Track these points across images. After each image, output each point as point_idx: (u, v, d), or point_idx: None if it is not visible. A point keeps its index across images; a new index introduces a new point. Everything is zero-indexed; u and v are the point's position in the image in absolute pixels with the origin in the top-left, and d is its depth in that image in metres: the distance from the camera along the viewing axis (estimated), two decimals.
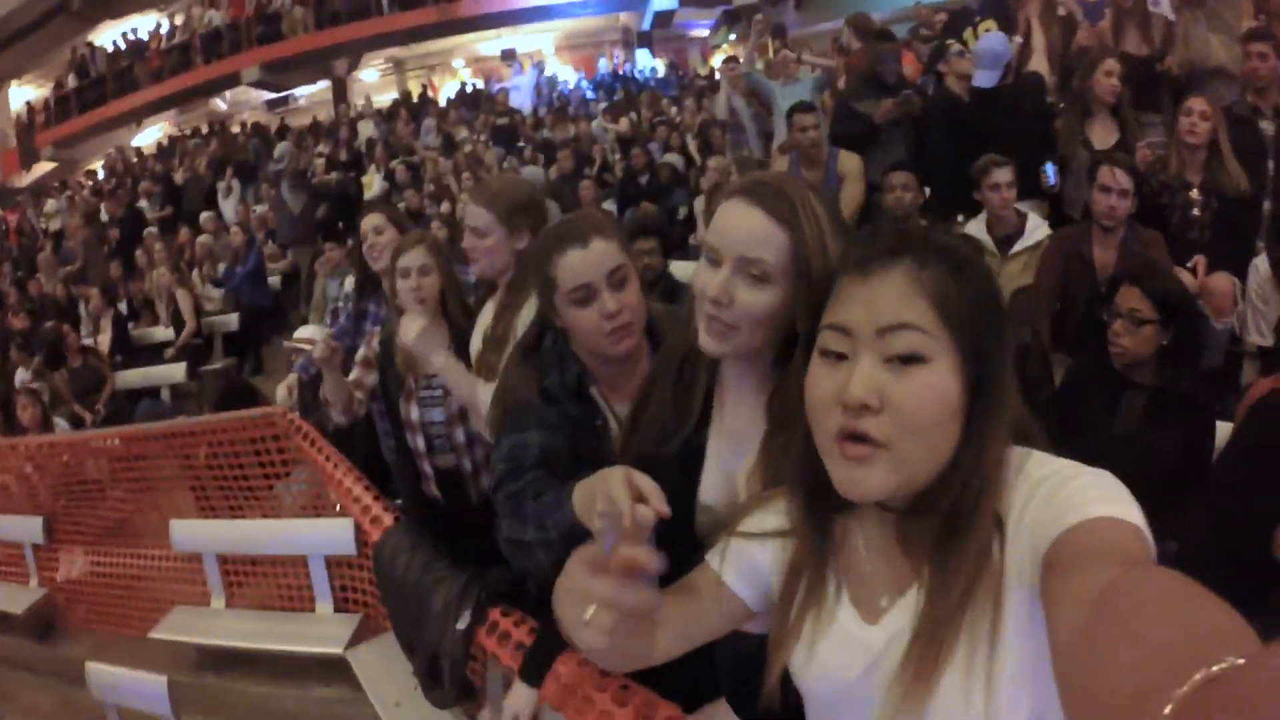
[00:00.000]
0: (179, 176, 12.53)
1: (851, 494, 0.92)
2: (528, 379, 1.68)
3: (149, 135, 19.84)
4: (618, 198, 8.18)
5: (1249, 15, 4.39)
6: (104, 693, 3.04)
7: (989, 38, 4.64)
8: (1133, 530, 0.79)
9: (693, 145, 9.12)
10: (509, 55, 18.34)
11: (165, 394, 7.73)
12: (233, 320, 8.57)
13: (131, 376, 7.80)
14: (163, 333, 8.44)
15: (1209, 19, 4.16)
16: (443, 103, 14.93)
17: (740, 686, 1.42)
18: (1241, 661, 0.47)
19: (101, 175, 15.47)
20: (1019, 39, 4.76)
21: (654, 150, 9.18)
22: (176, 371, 7.82)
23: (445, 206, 8.68)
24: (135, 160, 15.34)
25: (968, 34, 5.13)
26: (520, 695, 1.79)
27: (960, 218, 4.20)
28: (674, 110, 11.15)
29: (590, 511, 1.25)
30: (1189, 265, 3.40)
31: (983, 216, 3.99)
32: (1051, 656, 0.73)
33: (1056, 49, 4.75)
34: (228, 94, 19.84)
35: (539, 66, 15.87)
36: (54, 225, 12.91)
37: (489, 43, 19.42)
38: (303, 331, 4.40)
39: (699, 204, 6.79)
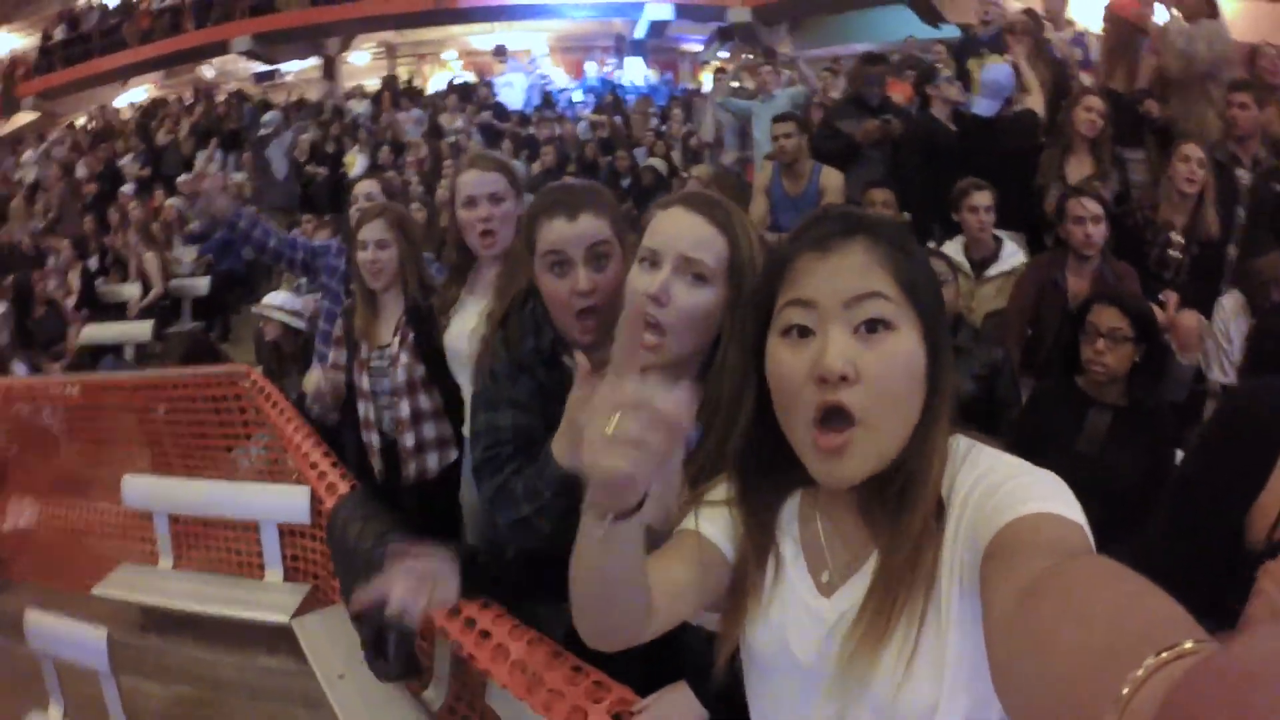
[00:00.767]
0: (160, 138, 12.35)
1: (830, 484, 0.94)
2: (506, 343, 1.69)
3: (133, 96, 19.55)
4: None
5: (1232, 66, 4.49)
6: (42, 643, 2.97)
7: (995, 68, 4.73)
8: (1075, 527, 0.80)
9: (678, 154, 9.17)
10: (501, 52, 18.30)
11: (129, 352, 7.63)
12: (203, 284, 8.49)
13: (97, 332, 7.71)
14: (130, 290, 8.33)
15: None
16: (429, 92, 14.84)
17: (703, 668, 1.42)
18: (1190, 644, 0.48)
19: (82, 128, 15.20)
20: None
21: (638, 155, 9.21)
22: (143, 330, 7.73)
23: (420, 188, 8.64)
24: (118, 118, 15.12)
25: (972, 63, 5.22)
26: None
27: (931, 243, 4.25)
28: (657, 121, 11.19)
29: (571, 451, 1.33)
30: (1160, 299, 3.47)
31: (960, 239, 4.04)
32: (986, 641, 0.74)
33: (1049, 89, 4.83)
34: (215, 62, 19.58)
35: (535, 64, 15.86)
36: (28, 176, 12.69)
37: (481, 37, 19.36)
38: (272, 298, 4.36)
39: None
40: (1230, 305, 3.48)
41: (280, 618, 3.52)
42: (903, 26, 11.40)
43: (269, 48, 17.97)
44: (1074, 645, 0.55)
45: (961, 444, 0.97)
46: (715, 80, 9.63)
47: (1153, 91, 4.36)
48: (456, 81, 15.62)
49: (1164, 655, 0.48)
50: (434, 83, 16.62)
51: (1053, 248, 3.84)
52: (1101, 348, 2.74)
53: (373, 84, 15.69)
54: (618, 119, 11.00)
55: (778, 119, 5.03)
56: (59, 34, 18.99)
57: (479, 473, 1.65)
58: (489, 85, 13.05)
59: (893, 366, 0.90)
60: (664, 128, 10.62)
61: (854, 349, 0.89)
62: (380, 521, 2.58)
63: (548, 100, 12.98)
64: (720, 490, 1.12)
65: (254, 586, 3.89)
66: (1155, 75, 4.41)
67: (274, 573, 3.89)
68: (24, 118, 19.09)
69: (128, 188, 10.44)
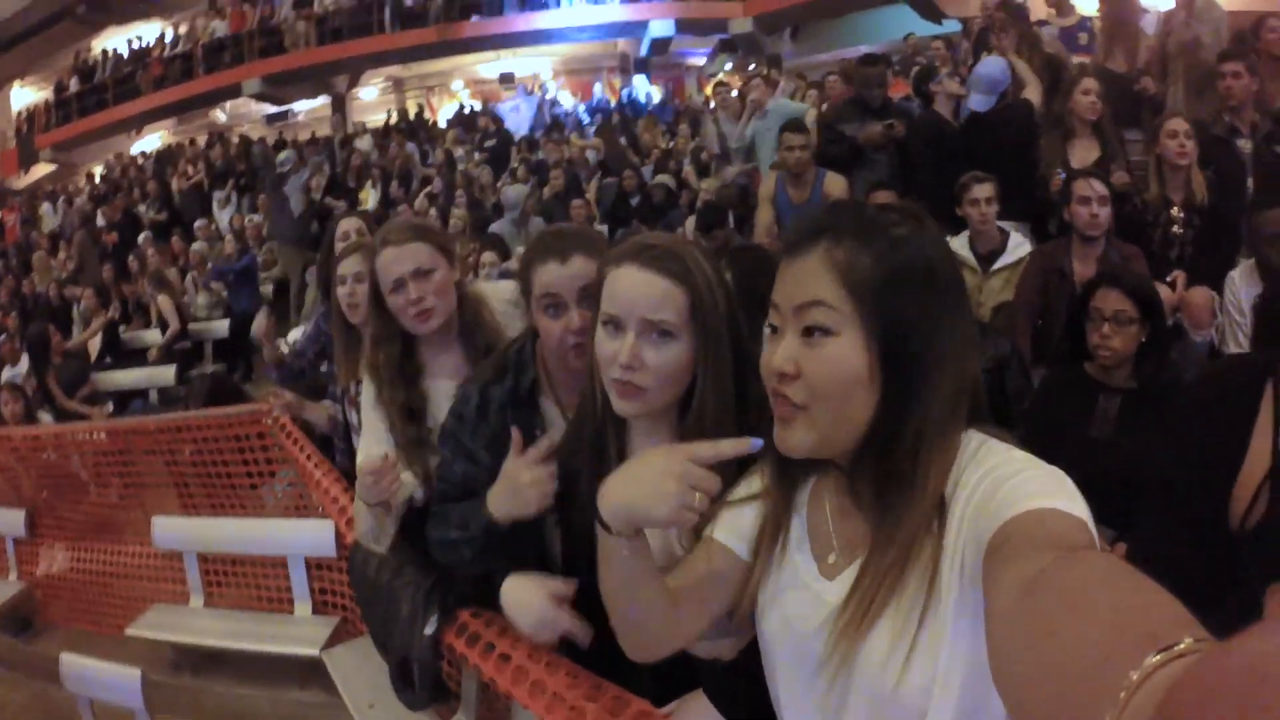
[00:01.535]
0: (176, 184, 12.55)
1: (780, 447, 1.02)
2: (483, 383, 1.76)
3: (148, 143, 19.89)
4: (609, 218, 8.20)
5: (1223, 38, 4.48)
6: (77, 685, 2.99)
7: (987, 63, 4.74)
8: (1078, 523, 0.81)
9: (689, 169, 9.16)
10: (508, 79, 18.47)
11: (154, 396, 7.76)
12: (222, 327, 8.60)
13: (121, 378, 7.85)
14: (153, 336, 8.46)
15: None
16: (441, 123, 14.98)
17: (720, 678, 1.43)
18: (1187, 643, 0.48)
19: (99, 179, 15.48)
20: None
21: (645, 173, 9.23)
22: (166, 374, 7.85)
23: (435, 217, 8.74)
24: (134, 166, 15.40)
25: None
26: (516, 590, 1.69)
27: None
28: (666, 138, 11.21)
29: (501, 504, 1.50)
30: (1168, 280, 3.45)
31: (965, 234, 4.03)
32: (986, 635, 0.74)
33: (1045, 78, 4.83)
34: (227, 105, 19.93)
35: (544, 90, 15.98)
36: (48, 227, 12.94)
37: (488, 65, 19.55)
38: (294, 334, 4.43)
39: (690, 224, 6.86)
40: (1240, 276, 3.45)
41: (310, 651, 3.52)
42: (904, 25, 11.40)
43: (279, 88, 18.26)
44: (1074, 643, 0.55)
45: (973, 440, 0.98)
46: (715, 94, 9.65)
47: (1149, 70, 4.34)
48: (465, 112, 15.77)
49: (1162, 655, 0.48)
50: (444, 113, 16.77)
51: (1057, 236, 3.83)
52: (1108, 331, 2.73)
53: (378, 119, 15.87)
54: (622, 140, 11.04)
55: (787, 129, 5.05)
56: (73, 85, 19.36)
57: (432, 501, 1.82)
58: (493, 114, 13.13)
59: (826, 369, 0.96)
60: (671, 144, 10.65)
61: (798, 349, 0.98)
62: (396, 554, 2.59)
63: (556, 124, 13.05)
64: (742, 489, 1.20)
65: (284, 621, 3.91)
66: (1153, 54, 4.39)
67: (303, 606, 3.91)
68: (42, 170, 19.47)
69: (146, 234, 10.60)
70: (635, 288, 1.29)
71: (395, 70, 19.70)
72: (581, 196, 8.36)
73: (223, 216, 11.09)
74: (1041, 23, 5.86)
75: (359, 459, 2.16)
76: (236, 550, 4.16)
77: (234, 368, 8.39)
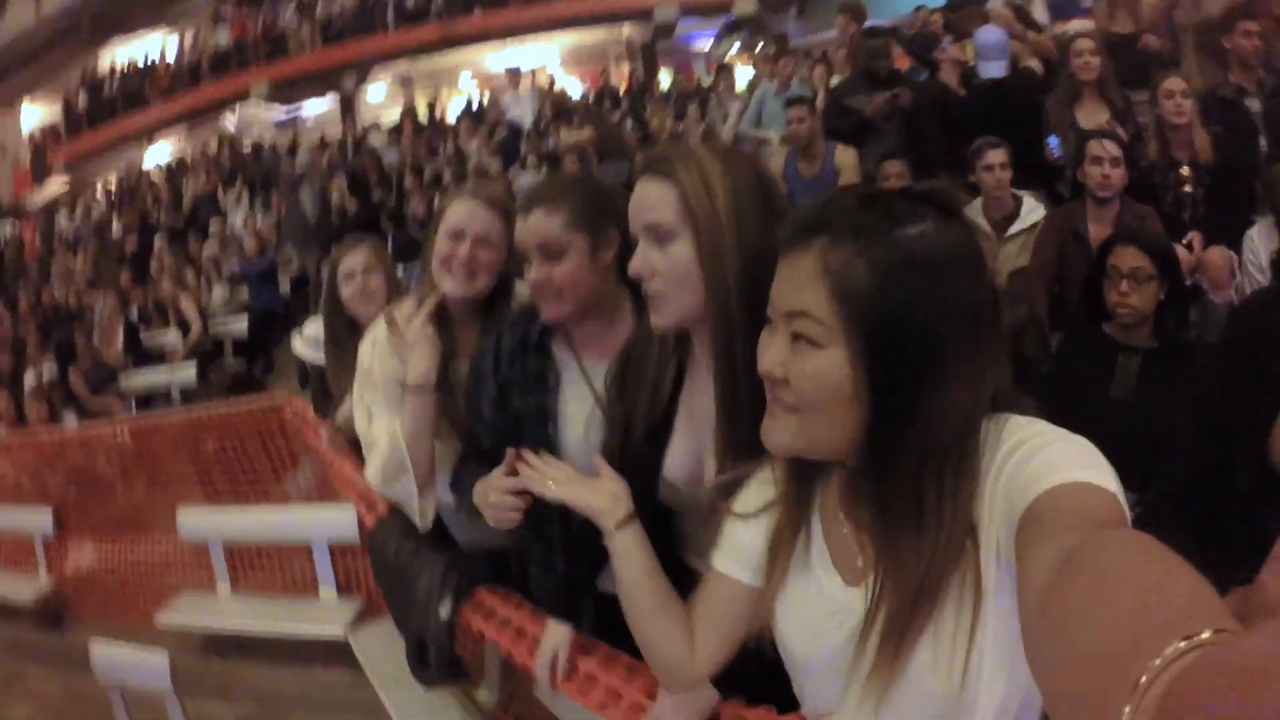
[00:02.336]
0: (189, 188, 12.63)
1: (764, 440, 1.01)
2: (498, 335, 1.80)
3: (159, 153, 20.03)
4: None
5: None
6: (108, 672, 3.04)
7: (987, 30, 4.70)
8: (1107, 496, 0.80)
9: None
10: (514, 73, 18.47)
11: (176, 395, 7.81)
12: (241, 325, 8.66)
13: (143, 379, 7.93)
14: (173, 336, 8.50)
15: None
16: (451, 119, 14.99)
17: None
18: (1208, 634, 0.48)
19: (114, 189, 15.62)
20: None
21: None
22: (188, 374, 7.90)
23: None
24: (148, 174, 15.53)
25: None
26: (555, 632, 1.73)
27: None
28: (675, 121, 11.16)
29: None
30: (1185, 241, 3.43)
31: (978, 201, 4.02)
32: (1020, 615, 0.73)
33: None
34: (237, 110, 20.02)
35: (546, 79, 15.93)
36: (64, 238, 13.07)
37: (496, 56, 19.54)
38: (310, 326, 4.45)
39: None
40: (1258, 234, 3.43)
41: (336, 632, 3.59)
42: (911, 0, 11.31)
43: (287, 91, 18.32)
44: (1100, 627, 0.55)
45: (994, 421, 0.93)
46: (719, 75, 9.62)
47: (1154, 28, 4.31)
48: (472, 107, 15.78)
49: (1181, 645, 0.47)
50: (453, 107, 16.78)
51: (1070, 199, 3.81)
52: (1126, 289, 2.71)
53: (391, 116, 15.88)
54: (630, 122, 11.01)
55: (790, 103, 5.08)
56: (81, 100, 19.51)
57: (461, 460, 1.88)
58: (497, 105, 13.13)
59: (810, 381, 0.93)
60: (680, 127, 10.62)
61: (785, 355, 0.95)
62: (413, 538, 2.61)
63: (562, 112, 13.02)
64: (749, 500, 1.16)
65: (309, 604, 3.98)
66: (1156, 12, 4.36)
67: (327, 590, 3.98)
68: (57, 184, 19.66)
69: (160, 238, 10.68)
70: (634, 200, 1.32)
71: (402, 68, 19.71)
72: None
73: (235, 217, 11.16)
74: None
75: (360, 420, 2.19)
76: (261, 538, 4.23)
77: (254, 364, 8.45)
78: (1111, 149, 3.44)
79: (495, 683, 2.84)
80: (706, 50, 19.32)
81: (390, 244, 7.55)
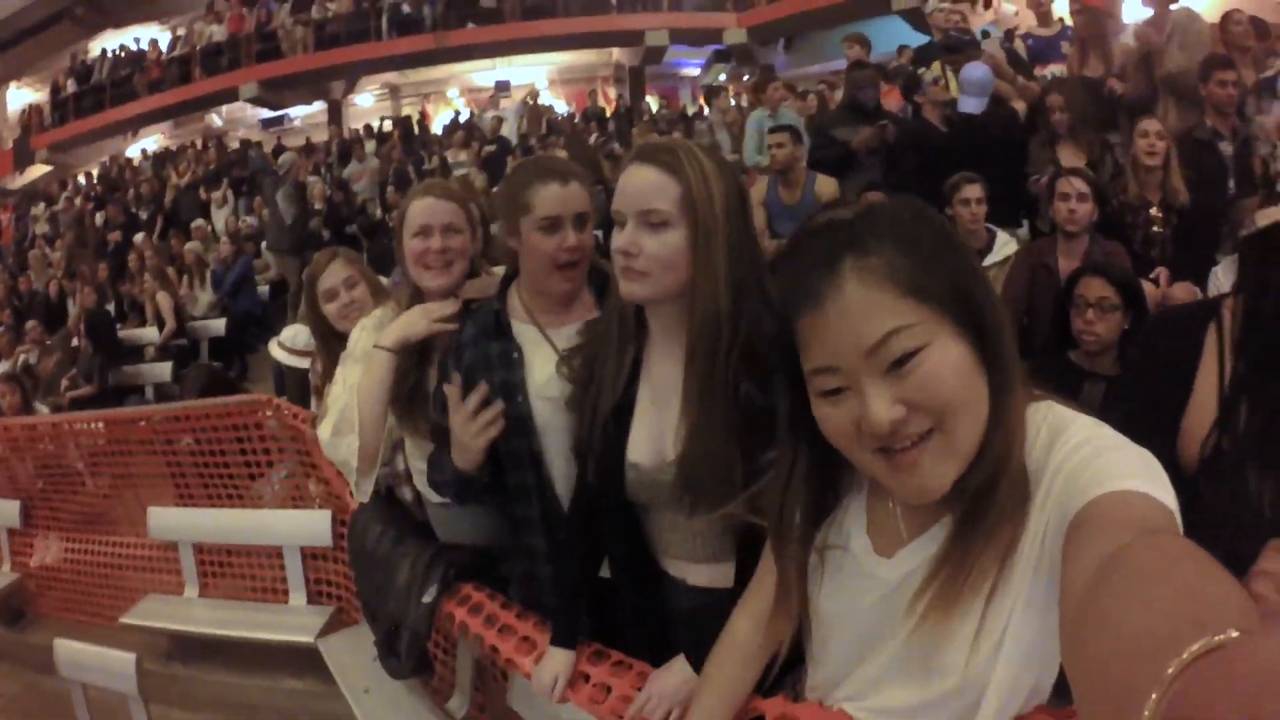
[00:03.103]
0: (173, 185, 12.61)
1: (917, 498, 0.93)
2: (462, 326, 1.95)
3: (144, 146, 19.93)
4: (604, 222, 8.20)
5: (1213, 43, 4.59)
6: (71, 671, 2.99)
7: (972, 67, 4.82)
8: (1158, 505, 0.79)
9: None
10: (504, 87, 18.53)
11: (150, 393, 7.80)
12: (219, 325, 8.64)
13: (117, 375, 7.87)
14: (150, 334, 8.49)
15: (1170, 35, 4.35)
16: (436, 130, 15.05)
17: (695, 640, 1.49)
18: (1235, 635, 0.48)
19: (95, 180, 15.52)
20: None
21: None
22: (162, 371, 7.90)
23: None
24: (131, 167, 15.46)
25: (935, 67, 5.33)
26: (556, 658, 1.75)
27: None
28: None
29: (459, 457, 1.74)
30: (1152, 277, 3.53)
31: None
32: (1060, 614, 0.74)
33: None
34: (224, 110, 19.96)
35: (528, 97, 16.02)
36: (41, 229, 12.98)
37: (484, 74, 19.63)
38: (284, 335, 4.45)
39: None
40: (1223, 271, 3.54)
41: (306, 638, 3.54)
42: (896, 37, 11.47)
43: (276, 93, 18.31)
44: (1131, 626, 0.56)
45: (1053, 412, 0.95)
46: (711, 100, 9.75)
47: (1124, 73, 4.45)
48: (460, 120, 15.83)
49: (1203, 644, 0.48)
50: (439, 120, 16.83)
51: (1044, 234, 3.91)
52: (1091, 318, 2.84)
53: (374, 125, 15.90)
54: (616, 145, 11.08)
55: (772, 130, 5.17)
56: (69, 86, 19.40)
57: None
58: (493, 117, 13.20)
59: (936, 384, 0.87)
60: None
61: (894, 391, 0.87)
62: (397, 527, 2.63)
63: (551, 128, 13.10)
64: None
65: (279, 610, 3.94)
66: (1127, 57, 4.50)
67: (298, 596, 3.94)
68: (38, 170, 19.51)
69: (140, 235, 10.64)
70: (632, 182, 1.41)
71: (392, 77, 19.76)
72: None
73: (218, 217, 11.14)
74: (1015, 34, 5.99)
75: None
76: (233, 540, 4.18)
77: (230, 366, 8.41)
78: (1078, 185, 3.56)
79: (467, 691, 2.85)
80: (694, 77, 19.51)
81: (365, 256, 7.59)
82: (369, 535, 2.64)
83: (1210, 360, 1.69)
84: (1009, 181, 4.33)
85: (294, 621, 3.77)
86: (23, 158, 20.05)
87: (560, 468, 1.81)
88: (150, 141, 20.20)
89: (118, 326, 8.69)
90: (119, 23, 20.36)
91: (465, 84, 20.58)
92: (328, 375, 2.67)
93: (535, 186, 1.75)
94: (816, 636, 1.16)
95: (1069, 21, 5.74)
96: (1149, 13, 4.63)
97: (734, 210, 1.40)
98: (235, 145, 15.27)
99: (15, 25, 19.84)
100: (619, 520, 1.59)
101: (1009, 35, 6.30)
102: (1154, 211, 3.81)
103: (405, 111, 18.49)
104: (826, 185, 5.00)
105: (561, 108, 16.98)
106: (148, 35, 20.01)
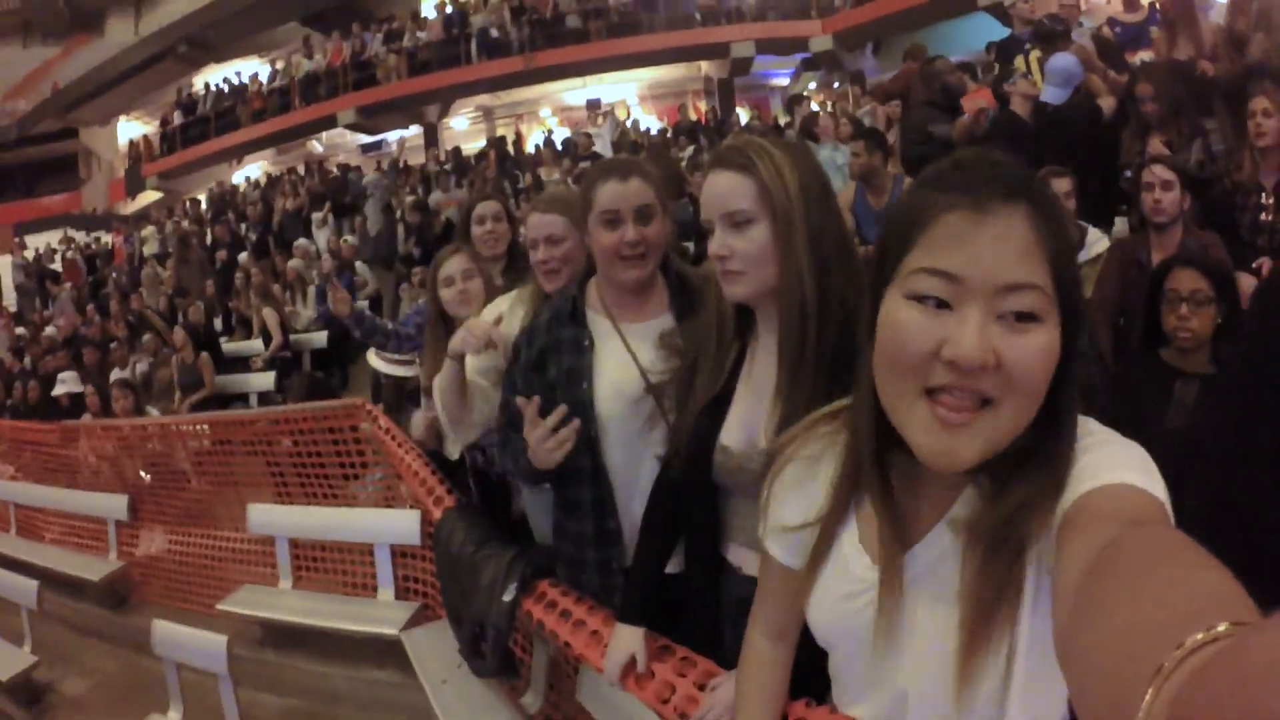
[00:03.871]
0: (278, 208, 13.15)
1: (941, 463, 0.87)
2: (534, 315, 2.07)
3: (248, 172, 20.87)
4: (695, 233, 8.19)
5: None
6: (166, 649, 3.19)
7: (1060, 57, 4.68)
8: (1151, 499, 0.78)
9: None
10: (594, 105, 18.74)
11: (254, 400, 8.16)
12: (321, 338, 8.99)
13: (224, 383, 8.29)
14: (255, 346, 8.85)
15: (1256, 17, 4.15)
16: (530, 150, 15.32)
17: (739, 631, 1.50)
18: (1224, 627, 0.48)
19: (203, 206, 16.28)
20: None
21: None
22: (267, 380, 8.25)
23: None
24: (239, 192, 16.21)
25: (1019, 61, 5.20)
26: (627, 637, 1.75)
27: None
28: None
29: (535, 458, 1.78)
30: (1254, 267, 3.35)
31: None
32: (1053, 610, 0.74)
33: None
34: (323, 136, 20.74)
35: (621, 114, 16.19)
36: (149, 250, 13.66)
37: (575, 92, 19.91)
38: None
39: None
40: None
41: (390, 631, 3.63)
42: (985, 34, 11.22)
43: (372, 119, 18.93)
44: (1125, 621, 0.55)
45: None
46: (794, 110, 9.71)
47: (1216, 53, 4.24)
48: (553, 138, 16.09)
49: (1200, 637, 0.47)
50: (532, 140, 17.14)
51: (1137, 228, 3.77)
52: (1185, 313, 2.66)
53: (471, 147, 16.28)
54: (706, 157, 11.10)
55: (854, 136, 5.14)
56: (176, 118, 20.45)
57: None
58: (587, 136, 13.39)
59: (1035, 361, 0.83)
60: None
61: (996, 337, 0.83)
62: (479, 530, 2.70)
63: (638, 145, 13.20)
64: (794, 515, 1.13)
65: (367, 604, 4.05)
66: (1218, 37, 4.30)
67: (386, 592, 4.04)
68: (149, 196, 20.62)
69: (245, 254, 11.13)
70: (714, 188, 1.45)
71: (484, 99, 20.20)
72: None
73: (320, 237, 11.56)
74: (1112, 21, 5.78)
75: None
76: (328, 537, 4.34)
77: (330, 376, 8.71)
78: (1162, 174, 3.39)
79: (541, 687, 2.88)
80: (784, 87, 19.40)
81: None
82: (454, 540, 2.71)
83: None
84: (1100, 175, 4.17)
85: (380, 614, 3.88)
86: (134, 185, 21.27)
87: (617, 456, 1.87)
88: (254, 168, 21.11)
89: (224, 339, 9.09)
90: (220, 58, 21.45)
91: (557, 103, 20.91)
92: (434, 358, 2.84)
93: (597, 184, 1.84)
94: (833, 657, 1.14)
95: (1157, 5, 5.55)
96: None
97: (812, 194, 1.42)
98: (335, 170, 15.79)
99: (123, 63, 21.14)
100: (699, 500, 1.61)
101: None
102: (1265, 197, 3.61)
103: (500, 132, 18.86)
104: None
105: (654, 123, 17.09)
106: (248, 68, 21.01)
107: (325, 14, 19.89)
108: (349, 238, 10.95)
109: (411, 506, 3.91)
